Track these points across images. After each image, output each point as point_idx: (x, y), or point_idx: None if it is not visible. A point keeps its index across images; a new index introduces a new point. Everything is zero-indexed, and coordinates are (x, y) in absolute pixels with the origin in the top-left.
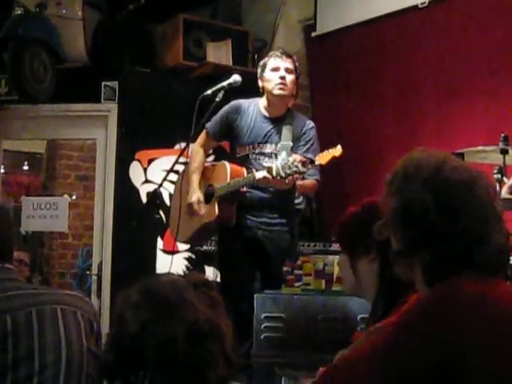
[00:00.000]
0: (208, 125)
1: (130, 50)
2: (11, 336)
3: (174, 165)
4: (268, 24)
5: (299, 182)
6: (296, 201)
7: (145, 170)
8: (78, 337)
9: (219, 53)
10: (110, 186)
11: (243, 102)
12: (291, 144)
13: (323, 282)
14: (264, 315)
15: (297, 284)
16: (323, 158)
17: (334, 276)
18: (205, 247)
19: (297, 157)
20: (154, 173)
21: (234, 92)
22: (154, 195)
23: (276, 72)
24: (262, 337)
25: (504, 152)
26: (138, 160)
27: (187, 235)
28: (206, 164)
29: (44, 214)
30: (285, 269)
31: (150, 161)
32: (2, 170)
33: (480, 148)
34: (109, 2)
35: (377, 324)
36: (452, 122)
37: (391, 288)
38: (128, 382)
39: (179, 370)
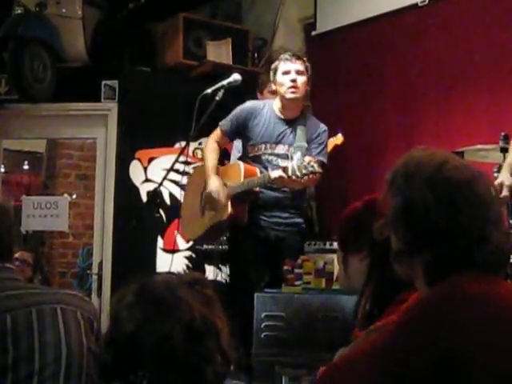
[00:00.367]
0: (222, 123)
1: (129, 49)
2: (11, 335)
3: (174, 164)
4: (268, 23)
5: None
6: None
7: (145, 168)
8: (78, 336)
9: (219, 52)
10: (111, 185)
11: (258, 103)
12: (306, 145)
13: (323, 280)
14: (264, 314)
15: (297, 283)
16: None
17: (335, 275)
18: (205, 246)
19: (312, 158)
20: (154, 172)
21: (233, 91)
22: (155, 194)
23: (287, 75)
24: (263, 336)
25: (504, 151)
26: (138, 159)
27: (197, 233)
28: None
29: (44, 214)
30: (285, 268)
31: (150, 160)
32: (3, 170)
33: (480, 146)
34: (109, 0)
35: (376, 323)
36: (452, 121)
37: (378, 288)
38: (127, 382)
39: (177, 368)
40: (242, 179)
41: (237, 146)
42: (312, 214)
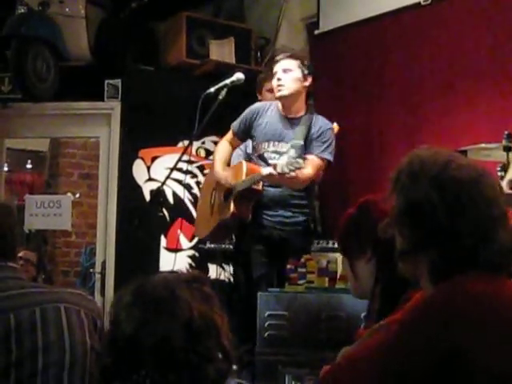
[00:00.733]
0: (233, 124)
1: (133, 48)
2: (15, 334)
3: (177, 163)
4: (271, 22)
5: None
6: None
7: (148, 168)
8: (82, 335)
9: (222, 51)
10: (114, 184)
11: (264, 103)
12: (302, 143)
13: (326, 279)
14: (267, 313)
15: (300, 282)
16: None
17: (338, 274)
18: (208, 245)
19: (314, 156)
20: (158, 171)
21: (236, 90)
22: (158, 193)
23: (274, 77)
24: (266, 335)
25: (507, 149)
26: (142, 158)
27: (206, 232)
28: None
29: (47, 213)
30: (288, 267)
31: (154, 159)
32: (6, 169)
33: (483, 145)
34: None
35: (380, 322)
36: (455, 120)
37: (387, 287)
38: (130, 382)
39: (177, 368)
40: (244, 177)
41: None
42: (315, 213)
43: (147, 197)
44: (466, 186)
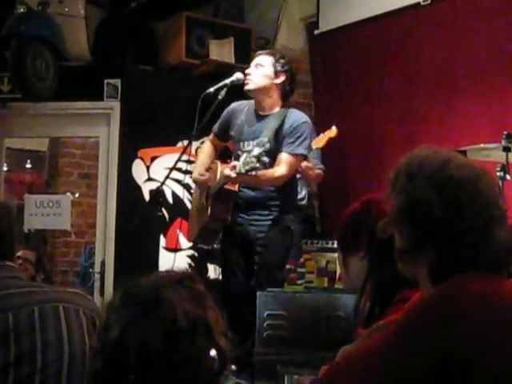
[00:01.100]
0: (215, 125)
1: (132, 47)
2: (13, 334)
3: (176, 163)
4: (270, 22)
5: (310, 172)
6: (297, 196)
7: (147, 167)
8: (81, 334)
9: (222, 51)
10: (113, 183)
11: (241, 102)
12: (266, 140)
13: (326, 279)
14: (266, 313)
15: (299, 282)
16: (320, 141)
17: (337, 274)
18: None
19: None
20: (157, 171)
21: (236, 90)
22: (157, 193)
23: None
24: (265, 335)
25: (507, 150)
26: (141, 158)
27: (194, 234)
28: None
29: (47, 212)
30: (287, 267)
31: (153, 159)
32: (5, 168)
33: (482, 146)
34: None
35: (372, 322)
36: (454, 120)
37: (377, 287)
38: None
39: (162, 369)
40: (217, 179)
41: None
42: (314, 213)
43: (146, 197)
44: (465, 186)
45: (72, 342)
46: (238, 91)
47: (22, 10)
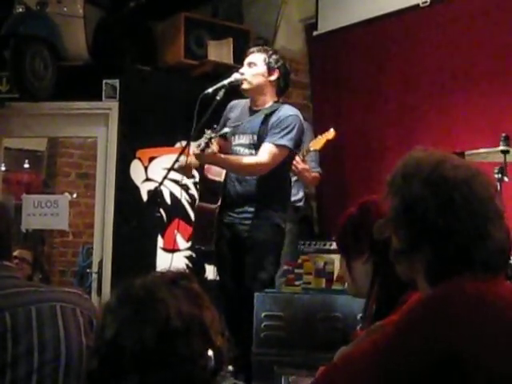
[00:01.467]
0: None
1: (131, 47)
2: (10, 333)
3: (174, 163)
4: (269, 23)
5: (306, 174)
6: (294, 198)
7: (145, 168)
8: (78, 334)
9: (220, 51)
10: (111, 184)
11: (240, 100)
12: (251, 131)
13: (323, 280)
14: (264, 314)
15: (297, 283)
16: (317, 143)
17: (335, 275)
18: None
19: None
20: (155, 171)
21: (234, 90)
22: (155, 193)
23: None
24: (262, 335)
25: (505, 153)
26: (139, 158)
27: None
28: None
29: (45, 212)
30: (285, 268)
31: (151, 159)
32: (3, 168)
33: (482, 150)
34: None
35: (375, 323)
36: (453, 121)
37: (384, 289)
38: None
39: (159, 369)
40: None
41: None
42: (312, 214)
43: (144, 197)
44: (459, 185)
45: (69, 342)
46: (237, 92)
47: (20, 9)
